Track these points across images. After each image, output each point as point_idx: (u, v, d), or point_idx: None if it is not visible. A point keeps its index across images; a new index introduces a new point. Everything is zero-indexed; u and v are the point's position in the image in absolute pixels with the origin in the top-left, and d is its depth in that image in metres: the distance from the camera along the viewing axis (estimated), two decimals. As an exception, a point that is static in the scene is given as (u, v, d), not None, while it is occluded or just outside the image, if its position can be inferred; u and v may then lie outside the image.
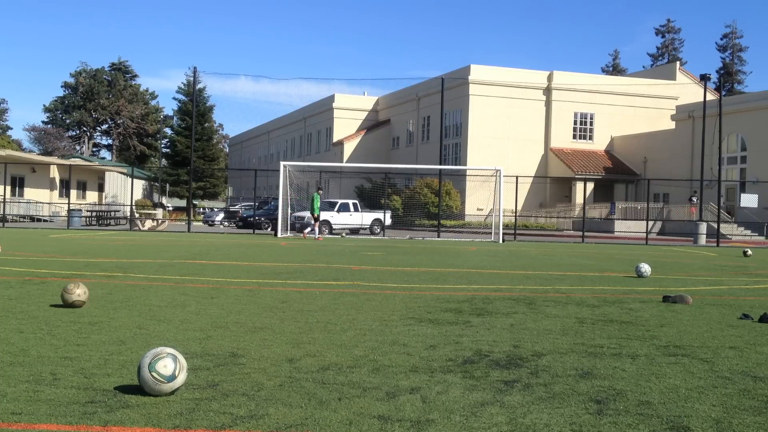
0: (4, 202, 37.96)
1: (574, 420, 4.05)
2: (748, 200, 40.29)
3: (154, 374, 4.23)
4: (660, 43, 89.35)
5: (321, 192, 30.40)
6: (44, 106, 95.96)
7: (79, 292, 7.85)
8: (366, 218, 38.42)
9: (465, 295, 9.99)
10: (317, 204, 29.29)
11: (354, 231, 37.49)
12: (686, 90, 55.76)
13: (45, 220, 43.87)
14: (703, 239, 33.37)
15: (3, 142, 76.13)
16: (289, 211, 34.65)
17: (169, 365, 4.27)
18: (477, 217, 45.76)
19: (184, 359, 4.44)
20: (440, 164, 40.96)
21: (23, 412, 3.92)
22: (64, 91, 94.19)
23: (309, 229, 30.24)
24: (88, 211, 43.19)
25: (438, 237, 34.62)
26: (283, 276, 12.34)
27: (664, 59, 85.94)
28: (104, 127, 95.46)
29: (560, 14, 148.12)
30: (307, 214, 37.07)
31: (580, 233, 36.24)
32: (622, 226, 43.68)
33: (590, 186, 50.39)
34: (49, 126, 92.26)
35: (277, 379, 4.83)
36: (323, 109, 68.29)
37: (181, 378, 4.33)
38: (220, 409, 4.07)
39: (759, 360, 5.91)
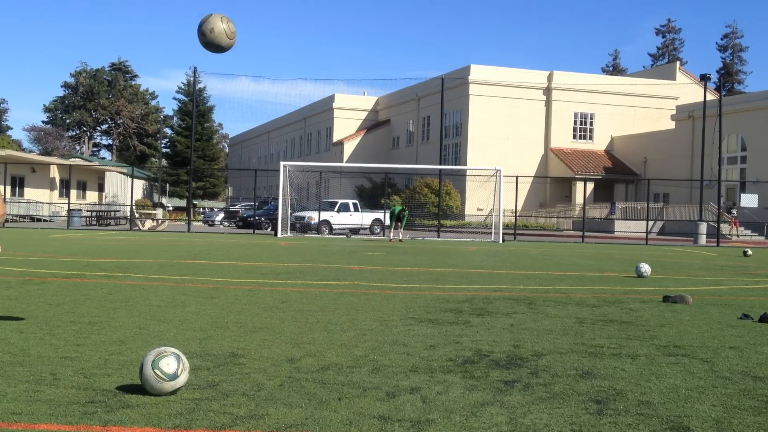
0: (4, 202, 37.93)
1: (574, 420, 4.05)
2: (748, 200, 40.31)
3: (156, 371, 4.23)
4: (660, 43, 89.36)
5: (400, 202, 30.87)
6: (44, 106, 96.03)
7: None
8: (366, 218, 38.43)
9: (465, 295, 9.99)
10: (396, 211, 30.17)
11: (354, 231, 37.51)
12: (686, 90, 55.76)
13: (45, 220, 43.87)
14: (703, 239, 33.38)
15: (3, 142, 76.11)
16: (289, 211, 34.66)
17: (171, 364, 4.28)
18: (477, 217, 45.75)
19: (187, 360, 4.44)
20: (440, 164, 40.96)
21: (23, 412, 3.92)
22: (64, 91, 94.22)
23: (398, 233, 30.27)
24: (88, 211, 43.19)
25: (438, 237, 34.62)
26: (283, 276, 12.34)
27: (664, 59, 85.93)
28: (104, 127, 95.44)
29: (560, 14, 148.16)
30: (307, 214, 37.17)
31: (580, 233, 36.24)
32: (622, 226, 43.67)
33: (590, 186, 50.39)
34: (49, 126, 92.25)
35: (277, 379, 4.83)
36: (323, 109, 68.29)
37: (183, 378, 4.33)
38: (220, 409, 4.07)
39: (759, 360, 5.91)
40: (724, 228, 40.36)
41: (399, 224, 29.98)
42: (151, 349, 4.54)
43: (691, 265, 18.03)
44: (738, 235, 40.34)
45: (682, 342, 6.67)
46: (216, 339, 6.25)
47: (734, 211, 41.14)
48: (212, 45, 5.99)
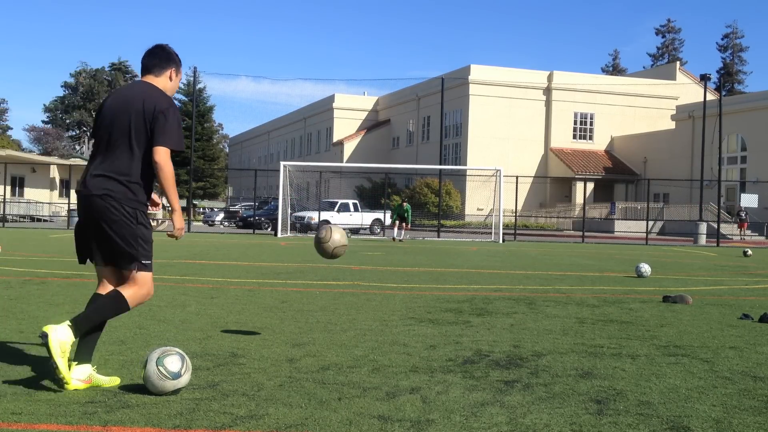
0: (4, 202, 37.95)
1: (574, 420, 4.05)
2: (748, 200, 40.31)
3: (160, 368, 4.23)
4: (660, 43, 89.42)
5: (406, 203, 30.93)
6: (44, 106, 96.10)
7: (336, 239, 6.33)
8: (366, 218, 38.43)
9: (465, 295, 9.99)
10: (399, 211, 30.28)
11: (354, 231, 37.51)
12: (686, 90, 55.78)
13: (45, 220, 43.88)
14: (703, 239, 33.38)
15: (3, 142, 76.12)
16: (289, 211, 34.67)
17: (175, 362, 4.28)
18: (477, 217, 45.78)
19: (190, 361, 4.45)
20: (440, 164, 40.97)
21: (23, 412, 3.92)
22: (64, 91, 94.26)
23: (401, 232, 30.32)
24: (88, 211, 43.11)
25: (438, 237, 34.62)
26: (283, 276, 12.34)
27: (664, 59, 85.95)
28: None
29: (560, 14, 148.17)
30: (307, 214, 37.19)
31: (580, 233, 36.24)
32: (622, 226, 43.68)
33: (590, 186, 50.39)
34: (49, 126, 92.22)
35: (277, 379, 4.82)
36: (323, 109, 68.29)
37: (185, 378, 4.33)
38: (220, 409, 4.07)
39: (759, 360, 5.91)
40: (734, 230, 40.37)
41: (403, 223, 30.01)
42: (155, 348, 4.55)
43: (691, 265, 18.03)
44: (743, 237, 40.37)
45: (682, 342, 6.66)
46: (216, 339, 6.25)
47: (742, 214, 41.10)
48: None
